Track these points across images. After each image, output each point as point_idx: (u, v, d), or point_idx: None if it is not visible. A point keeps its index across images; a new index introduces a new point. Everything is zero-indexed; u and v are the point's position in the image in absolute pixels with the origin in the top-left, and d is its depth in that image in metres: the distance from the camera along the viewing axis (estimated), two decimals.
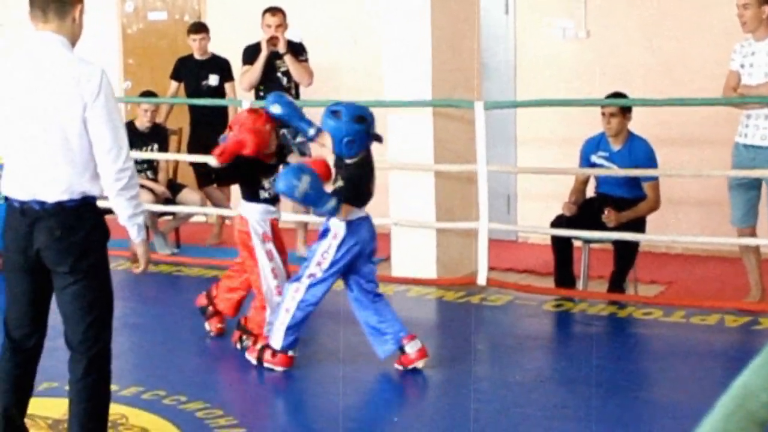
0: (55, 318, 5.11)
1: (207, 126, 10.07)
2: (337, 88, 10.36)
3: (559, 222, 7.87)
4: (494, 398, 5.72)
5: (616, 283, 7.74)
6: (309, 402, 5.95)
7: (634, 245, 7.75)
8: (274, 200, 6.66)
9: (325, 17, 10.97)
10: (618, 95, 7.90)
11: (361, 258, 6.18)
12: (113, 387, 5.82)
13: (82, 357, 4.54)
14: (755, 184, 7.55)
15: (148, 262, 4.64)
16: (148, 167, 10.02)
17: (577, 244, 7.95)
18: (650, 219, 7.88)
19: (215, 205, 10.25)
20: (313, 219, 9.74)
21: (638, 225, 7.75)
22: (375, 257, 6.35)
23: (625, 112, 7.78)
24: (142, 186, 9.70)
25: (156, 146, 9.92)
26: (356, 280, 6.23)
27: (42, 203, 4.37)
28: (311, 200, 5.92)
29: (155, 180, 9.95)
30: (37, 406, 5.43)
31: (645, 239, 8.04)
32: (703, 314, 7.33)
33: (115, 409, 5.53)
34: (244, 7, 11.01)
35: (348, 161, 6.04)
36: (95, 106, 4.29)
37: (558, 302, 7.78)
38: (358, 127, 6.00)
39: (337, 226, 6.08)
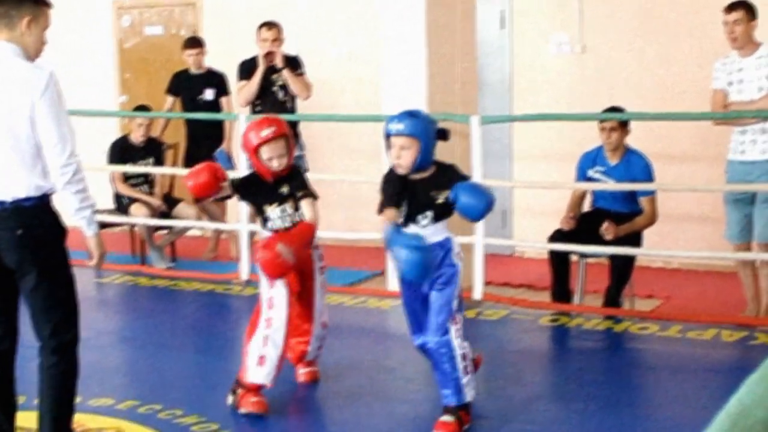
0: None
1: (203, 140, 10.10)
2: (334, 102, 10.39)
3: (556, 236, 7.87)
4: (490, 413, 5.71)
5: (613, 298, 7.74)
6: (309, 417, 5.94)
7: (631, 260, 7.75)
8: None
9: (321, 31, 10.99)
10: (615, 110, 7.91)
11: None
12: (109, 401, 5.86)
13: (53, 349, 4.72)
14: (751, 200, 7.56)
15: (101, 256, 4.83)
16: (144, 181, 10.03)
17: (573, 258, 7.95)
18: (647, 233, 7.89)
19: (211, 219, 10.26)
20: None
21: (635, 239, 7.75)
22: None
23: (624, 126, 7.79)
24: (138, 200, 9.73)
25: (152, 160, 9.93)
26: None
27: (1, 203, 4.58)
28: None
29: (151, 194, 9.95)
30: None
31: (642, 254, 8.03)
32: (699, 329, 7.33)
33: (110, 423, 5.55)
34: (240, 21, 11.04)
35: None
36: (41, 103, 4.50)
37: (554, 317, 7.78)
38: (433, 118, 5.57)
39: (455, 245, 5.48)
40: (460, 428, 5.36)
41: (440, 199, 5.34)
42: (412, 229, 5.35)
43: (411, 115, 5.41)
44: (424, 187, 5.37)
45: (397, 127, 5.35)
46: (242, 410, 5.72)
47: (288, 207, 5.92)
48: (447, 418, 5.38)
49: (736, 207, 7.59)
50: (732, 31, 7.41)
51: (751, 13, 7.40)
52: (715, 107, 7.56)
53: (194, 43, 10.35)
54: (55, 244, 4.69)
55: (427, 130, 5.36)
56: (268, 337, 5.73)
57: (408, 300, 5.58)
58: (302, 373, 6.26)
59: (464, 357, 5.39)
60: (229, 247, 10.44)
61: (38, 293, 4.65)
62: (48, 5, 4.79)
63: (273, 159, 5.81)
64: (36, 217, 4.62)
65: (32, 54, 4.71)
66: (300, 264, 5.86)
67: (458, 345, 5.36)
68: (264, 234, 6.02)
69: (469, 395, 5.41)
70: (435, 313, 5.39)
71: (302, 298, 6.09)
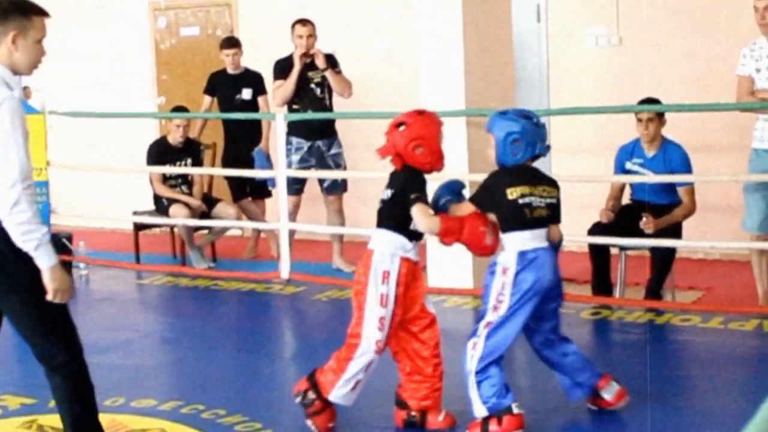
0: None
1: (241, 140, 10.14)
2: (371, 99, 10.38)
3: (596, 229, 7.85)
4: (534, 406, 5.69)
5: (654, 290, 7.71)
6: (345, 413, 5.93)
7: (672, 251, 7.72)
8: (418, 234, 5.39)
9: (359, 29, 11.00)
10: (651, 101, 7.88)
11: (544, 299, 5.34)
12: (152, 402, 5.88)
13: (50, 371, 4.53)
14: None
15: (58, 289, 4.35)
16: (183, 182, 10.06)
17: (613, 251, 7.92)
18: (687, 225, 7.84)
19: (251, 218, 10.28)
20: (349, 231, 9.75)
21: (675, 231, 7.71)
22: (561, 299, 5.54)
23: (660, 117, 7.76)
24: (177, 201, 9.76)
25: (190, 161, 9.96)
26: (537, 324, 5.45)
27: None
28: None
29: (190, 194, 9.98)
30: None
31: (682, 245, 8.00)
32: (741, 320, 7.29)
33: (154, 424, 5.58)
34: (276, 20, 11.05)
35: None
36: None
37: (595, 310, 7.76)
38: (525, 123, 5.32)
39: (506, 260, 5.29)
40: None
41: None
42: None
43: (497, 113, 5.46)
44: None
45: None
46: (312, 425, 5.45)
47: None
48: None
49: (762, 196, 7.53)
50: (763, 17, 7.35)
51: None
52: (741, 94, 7.49)
53: (232, 43, 10.38)
54: (19, 268, 4.35)
55: (498, 128, 5.33)
56: (373, 363, 5.33)
57: None
58: (441, 420, 5.47)
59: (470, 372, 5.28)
60: (268, 246, 10.46)
61: (11, 319, 4.47)
62: (40, 14, 4.47)
63: None
64: None
65: (24, 69, 4.45)
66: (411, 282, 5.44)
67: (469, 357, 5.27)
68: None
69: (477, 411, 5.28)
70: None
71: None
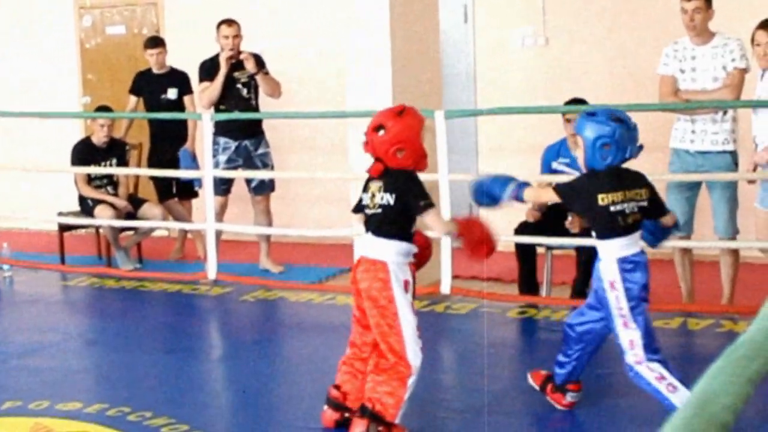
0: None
1: (166, 140, 10.06)
2: (298, 99, 10.36)
3: (522, 229, 7.89)
4: (461, 407, 5.71)
5: (580, 289, 7.75)
6: (278, 414, 5.92)
7: (597, 251, 7.76)
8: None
9: (286, 29, 10.96)
10: (578, 101, 7.93)
11: None
12: (77, 404, 5.83)
13: None
14: (698, 191, 7.61)
15: None
16: (108, 182, 9.98)
17: (540, 250, 7.97)
18: None
19: (177, 219, 10.22)
20: (276, 231, 9.72)
21: None
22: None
23: None
24: (103, 201, 9.67)
25: (115, 161, 9.88)
26: (593, 311, 5.52)
27: None
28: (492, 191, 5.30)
29: (116, 195, 9.90)
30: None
31: None
32: (666, 318, 7.36)
33: (79, 426, 5.52)
34: (202, 20, 10.99)
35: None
36: None
37: (522, 309, 7.80)
38: (617, 126, 5.12)
39: (608, 271, 5.28)
40: None
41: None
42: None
43: (586, 114, 5.25)
44: None
45: None
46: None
47: None
48: None
49: (685, 198, 7.60)
50: (692, 18, 7.41)
51: (708, 1, 7.44)
52: (663, 93, 7.56)
53: (155, 42, 10.30)
54: None
55: (588, 131, 5.15)
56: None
57: None
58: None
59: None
60: (195, 247, 10.41)
61: None
62: None
63: None
64: None
65: None
66: None
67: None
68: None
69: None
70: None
71: None
